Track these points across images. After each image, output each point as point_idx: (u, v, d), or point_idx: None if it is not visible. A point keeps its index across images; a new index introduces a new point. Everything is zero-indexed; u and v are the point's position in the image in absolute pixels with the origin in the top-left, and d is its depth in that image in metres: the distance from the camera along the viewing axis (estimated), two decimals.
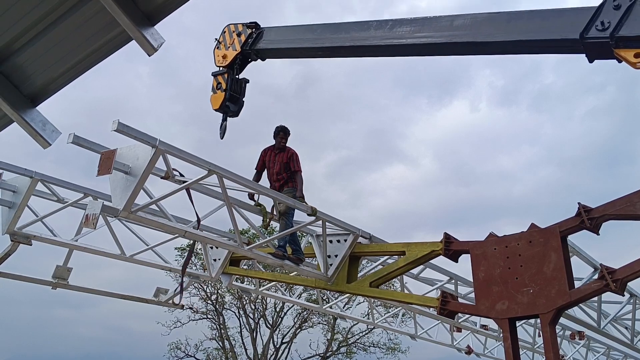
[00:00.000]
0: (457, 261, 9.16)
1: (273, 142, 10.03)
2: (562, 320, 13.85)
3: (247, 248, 9.27)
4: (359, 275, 10.42)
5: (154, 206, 8.49)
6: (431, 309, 10.70)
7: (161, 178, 8.01)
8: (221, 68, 9.42)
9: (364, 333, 35.34)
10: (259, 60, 9.34)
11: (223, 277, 11.69)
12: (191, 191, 8.34)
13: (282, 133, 9.96)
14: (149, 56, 3.93)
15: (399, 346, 34.85)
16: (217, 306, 34.07)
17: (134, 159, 7.26)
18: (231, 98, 9.24)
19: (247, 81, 9.53)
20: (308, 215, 9.19)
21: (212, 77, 9.51)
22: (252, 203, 9.56)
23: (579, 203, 7.78)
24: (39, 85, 4.67)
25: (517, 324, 8.39)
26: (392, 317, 17.20)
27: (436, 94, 74.13)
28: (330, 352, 35.13)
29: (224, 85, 9.24)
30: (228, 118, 9.34)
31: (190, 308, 32.88)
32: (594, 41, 6.01)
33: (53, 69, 4.55)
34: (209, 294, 33.75)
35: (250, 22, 9.38)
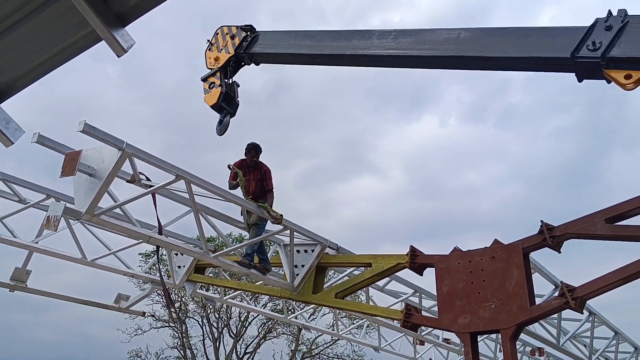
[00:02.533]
0: (422, 274, 9.23)
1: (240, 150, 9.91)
2: (522, 336, 14.07)
3: (213, 255, 9.17)
4: (325, 286, 10.41)
5: (118, 210, 8.35)
6: (395, 321, 10.75)
7: (127, 182, 7.88)
8: (212, 70, 9.30)
9: (328, 344, 35.26)
10: (252, 64, 9.24)
11: (187, 285, 11.54)
12: (158, 196, 8.24)
13: (253, 151, 9.78)
14: (119, 57, 3.88)
15: (363, 358, 34.88)
16: (180, 314, 33.56)
17: (99, 161, 7.14)
18: (226, 97, 9.14)
19: (237, 85, 9.45)
20: (272, 222, 9.13)
21: (202, 81, 9.39)
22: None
23: (541, 221, 7.93)
24: (4, 82, 4.55)
25: (479, 338, 8.49)
26: (357, 328, 17.23)
27: (407, 107, 74.94)
28: None
29: (217, 82, 9.12)
30: (229, 118, 9.24)
31: (152, 315, 32.32)
32: (584, 61, 6.05)
33: (20, 66, 4.44)
34: (172, 302, 33.22)
35: (245, 25, 9.24)
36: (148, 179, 8.00)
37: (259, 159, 9.84)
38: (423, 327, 13.61)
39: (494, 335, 15.05)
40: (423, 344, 17.04)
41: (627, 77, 5.79)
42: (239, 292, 13.66)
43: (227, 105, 9.14)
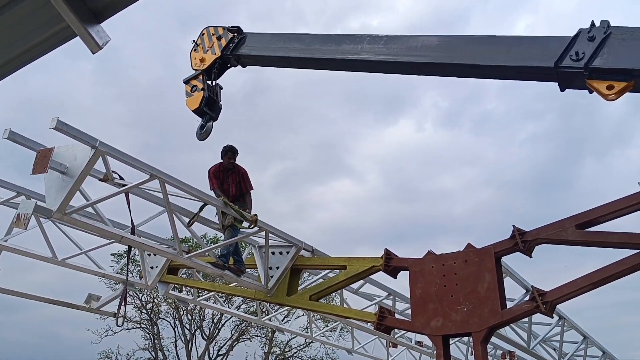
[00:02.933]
0: (396, 277, 9.28)
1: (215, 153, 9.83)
2: (493, 339, 14.24)
3: (186, 256, 9.09)
4: (299, 288, 10.40)
5: (90, 209, 8.22)
6: (369, 323, 10.79)
7: (99, 180, 7.77)
8: (197, 71, 9.16)
9: (301, 347, 35.23)
10: (239, 66, 9.12)
11: (160, 286, 11.40)
12: (132, 196, 8.14)
13: (230, 153, 9.70)
14: (93, 54, 3.82)
15: None
16: (152, 315, 33.18)
17: (71, 159, 7.03)
18: (209, 101, 9.01)
19: (220, 87, 9.31)
20: (248, 226, 9.10)
21: (184, 83, 9.25)
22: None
23: (513, 226, 8.04)
24: None
25: (451, 341, 8.56)
26: (331, 331, 17.24)
27: (384, 111, 75.44)
28: None
29: (200, 86, 8.99)
30: (212, 122, 9.10)
31: (124, 316, 31.84)
32: (567, 70, 6.11)
33: None
34: (144, 303, 32.87)
35: (232, 26, 9.11)
36: (121, 178, 7.90)
37: (236, 161, 9.80)
38: (396, 330, 13.68)
39: (465, 338, 15.19)
40: (396, 347, 17.14)
41: (609, 87, 5.86)
42: (212, 293, 13.56)
43: (209, 109, 9.04)
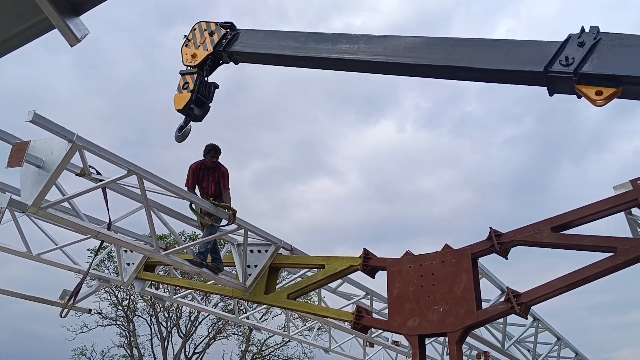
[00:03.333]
0: (374, 277, 9.31)
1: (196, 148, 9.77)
2: (469, 339, 14.38)
3: (163, 253, 9.02)
4: (277, 286, 10.39)
5: (66, 204, 8.11)
6: (346, 323, 10.82)
7: (76, 175, 7.67)
8: (189, 67, 9.03)
9: (279, 345, 35.19)
10: (231, 63, 8.99)
11: (136, 282, 11.31)
12: (109, 191, 8.05)
13: (212, 152, 9.61)
14: (71, 47, 3.76)
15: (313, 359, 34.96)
16: (128, 312, 32.86)
17: (48, 153, 6.93)
18: (197, 101, 8.86)
19: (216, 86, 9.13)
20: (227, 223, 9.06)
21: (180, 75, 9.11)
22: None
23: (490, 227, 8.12)
24: None
25: (427, 341, 8.61)
26: (308, 330, 17.25)
27: (365, 111, 75.66)
28: None
29: (191, 86, 8.82)
30: (191, 122, 8.97)
31: (99, 313, 31.53)
32: (557, 75, 6.15)
33: None
34: (120, 300, 32.52)
35: (225, 22, 8.98)
36: (98, 173, 7.81)
37: (218, 160, 9.74)
38: (373, 329, 13.74)
39: (441, 338, 15.31)
40: (373, 346, 17.22)
41: (598, 93, 5.91)
42: (189, 291, 13.49)
43: (197, 108, 8.92)
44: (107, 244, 10.44)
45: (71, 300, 8.97)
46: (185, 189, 9.19)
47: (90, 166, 7.63)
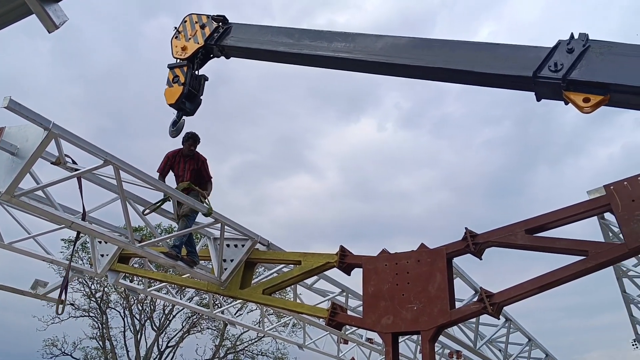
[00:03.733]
0: (349, 274, 9.34)
1: (177, 142, 9.69)
2: (442, 338, 14.52)
3: (138, 245, 8.93)
4: (253, 282, 10.35)
5: (40, 192, 7.98)
6: (321, 319, 10.83)
7: (51, 163, 7.56)
8: (179, 60, 8.88)
9: (253, 341, 35.13)
10: (222, 57, 8.85)
11: (110, 274, 11.18)
12: (84, 181, 7.94)
13: (191, 140, 9.55)
14: (49, 33, 3.71)
15: (287, 356, 34.99)
16: (101, 304, 32.50)
17: (23, 140, 6.80)
18: (189, 94, 8.73)
19: (206, 79, 9.02)
20: (204, 215, 8.99)
21: (168, 69, 8.96)
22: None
23: (465, 228, 8.18)
24: None
25: (400, 339, 8.66)
26: (283, 326, 17.25)
27: (346, 109, 75.85)
28: (217, 359, 34.54)
29: (182, 79, 8.68)
30: (184, 116, 8.85)
31: (72, 304, 31.13)
32: (545, 81, 6.17)
33: None
34: (93, 291, 32.17)
35: (217, 15, 8.83)
36: (74, 162, 7.70)
37: (196, 149, 9.69)
38: (347, 326, 13.80)
39: (415, 337, 15.46)
40: (347, 343, 17.31)
41: (586, 100, 5.95)
42: (164, 284, 13.38)
43: (188, 102, 8.81)
44: (82, 234, 10.30)
45: (62, 294, 8.85)
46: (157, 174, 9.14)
47: (66, 155, 7.51)
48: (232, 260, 9.97)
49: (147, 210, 8.76)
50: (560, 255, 7.62)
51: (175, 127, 8.95)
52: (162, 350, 33.20)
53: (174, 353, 33.58)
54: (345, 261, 9.07)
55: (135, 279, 19.83)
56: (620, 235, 7.26)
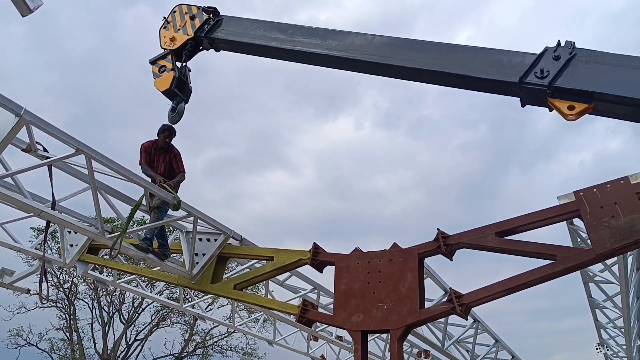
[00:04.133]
0: (322, 271, 9.36)
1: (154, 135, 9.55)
2: (411, 337, 14.66)
3: (108, 236, 8.81)
4: (225, 276, 10.30)
5: (9, 179, 7.82)
6: (291, 316, 10.83)
7: (22, 150, 7.39)
8: (166, 50, 8.72)
9: (223, 336, 34.96)
10: (212, 50, 8.71)
11: (78, 265, 11.02)
12: (55, 170, 7.80)
13: (166, 132, 9.41)
14: (23, 17, 3.64)
15: (256, 352, 34.90)
16: (70, 295, 31.98)
17: None
18: (179, 82, 8.60)
19: (189, 69, 8.93)
20: (172, 208, 8.87)
21: (151, 64, 8.82)
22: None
23: (438, 229, 8.27)
24: None
25: (370, 337, 8.70)
26: (254, 322, 17.21)
27: (325, 106, 75.90)
28: (186, 353, 34.29)
29: (169, 66, 8.56)
30: (184, 104, 8.74)
31: (38, 294, 30.52)
32: (531, 87, 6.21)
33: None
34: (61, 281, 31.62)
35: (208, 7, 8.68)
36: (45, 150, 7.55)
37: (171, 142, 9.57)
38: (318, 324, 13.83)
39: (384, 335, 15.55)
40: (317, 340, 17.35)
41: (570, 108, 6.01)
42: (134, 276, 13.22)
43: (179, 90, 8.69)
44: (52, 224, 10.13)
45: (41, 285, 8.69)
46: (141, 168, 9.03)
47: (37, 142, 7.36)
48: (204, 255, 9.91)
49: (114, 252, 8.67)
50: (529, 259, 7.75)
51: (176, 112, 8.85)
52: (130, 343, 32.83)
53: (142, 346, 33.23)
54: (318, 258, 9.09)
55: (104, 270, 19.61)
56: (588, 241, 7.41)
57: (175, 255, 10.49)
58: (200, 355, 35.03)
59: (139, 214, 9.86)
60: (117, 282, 13.28)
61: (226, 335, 34.64)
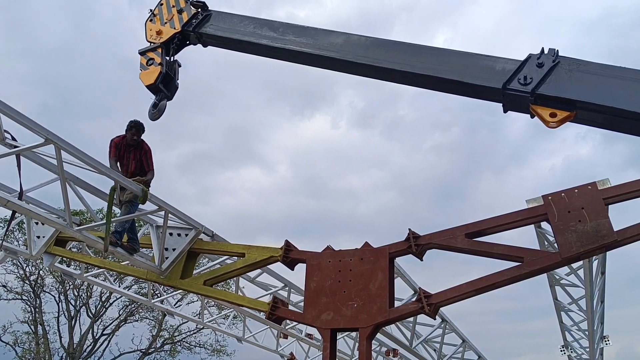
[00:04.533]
0: (293, 269, 9.34)
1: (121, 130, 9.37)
2: (380, 336, 14.78)
3: (76, 229, 8.65)
4: (195, 272, 10.21)
5: None
6: (261, 313, 10.79)
7: None
8: (152, 44, 8.52)
9: (192, 332, 34.69)
10: (199, 45, 8.53)
11: (45, 257, 10.80)
12: (23, 159, 7.63)
13: (134, 129, 9.21)
14: None
15: (225, 349, 34.72)
16: (35, 287, 31.37)
17: None
18: (165, 78, 8.40)
19: (179, 64, 8.71)
20: (139, 201, 8.74)
21: (140, 54, 8.59)
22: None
23: (409, 229, 8.32)
24: None
25: (339, 335, 8.72)
26: (223, 318, 17.11)
27: (301, 104, 75.89)
28: (153, 349, 33.94)
29: (157, 60, 8.33)
30: (166, 101, 8.54)
31: (4, 286, 29.93)
32: (514, 93, 6.25)
33: None
34: (27, 274, 30.99)
35: (197, 1, 8.52)
36: (14, 139, 7.40)
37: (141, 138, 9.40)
38: (288, 321, 13.82)
39: (354, 333, 15.62)
40: (286, 338, 17.34)
41: (552, 115, 6.07)
42: (102, 270, 13.02)
43: (165, 86, 8.51)
44: (19, 215, 9.90)
45: None
46: (109, 162, 8.87)
47: (5, 131, 7.21)
48: (174, 250, 9.81)
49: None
50: (498, 261, 7.85)
51: (157, 109, 8.62)
52: (96, 337, 32.37)
53: (109, 341, 32.80)
54: (290, 256, 9.08)
55: (72, 263, 19.27)
56: (555, 245, 7.54)
57: (144, 249, 10.37)
58: (168, 352, 34.71)
59: None
60: (85, 275, 13.05)
61: (195, 331, 34.42)
